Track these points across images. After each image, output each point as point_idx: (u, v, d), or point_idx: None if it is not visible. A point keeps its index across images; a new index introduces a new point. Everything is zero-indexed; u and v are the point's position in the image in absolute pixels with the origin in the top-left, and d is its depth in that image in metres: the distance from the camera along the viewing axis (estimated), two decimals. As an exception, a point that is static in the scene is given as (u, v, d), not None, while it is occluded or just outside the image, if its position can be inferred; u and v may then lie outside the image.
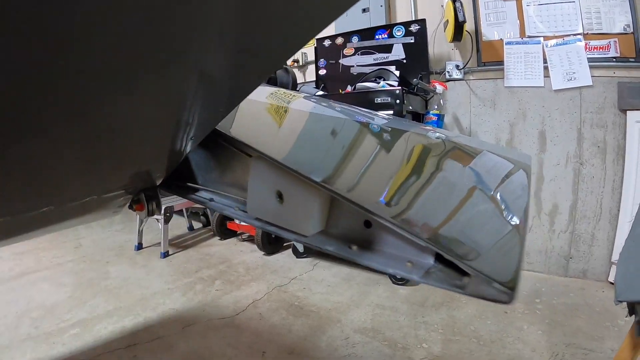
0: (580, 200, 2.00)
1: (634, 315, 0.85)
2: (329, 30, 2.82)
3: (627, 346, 0.94)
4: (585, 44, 1.94)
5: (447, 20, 2.24)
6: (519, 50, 2.10)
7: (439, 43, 2.38)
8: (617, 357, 0.96)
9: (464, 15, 2.12)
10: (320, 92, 2.54)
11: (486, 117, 2.24)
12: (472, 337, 1.52)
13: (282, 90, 1.01)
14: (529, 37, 2.08)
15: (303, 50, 3.07)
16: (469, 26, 2.20)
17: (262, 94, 0.91)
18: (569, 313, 1.66)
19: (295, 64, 3.05)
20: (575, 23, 1.96)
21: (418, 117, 2.26)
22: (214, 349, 1.47)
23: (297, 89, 2.84)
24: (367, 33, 2.56)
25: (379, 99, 2.08)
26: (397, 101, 2.01)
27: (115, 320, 1.69)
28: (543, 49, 2.04)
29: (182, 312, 1.78)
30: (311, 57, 2.96)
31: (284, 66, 2.82)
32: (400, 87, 2.05)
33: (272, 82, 2.75)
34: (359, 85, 2.32)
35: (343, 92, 2.42)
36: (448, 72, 2.34)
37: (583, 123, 1.98)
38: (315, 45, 2.80)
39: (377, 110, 1.97)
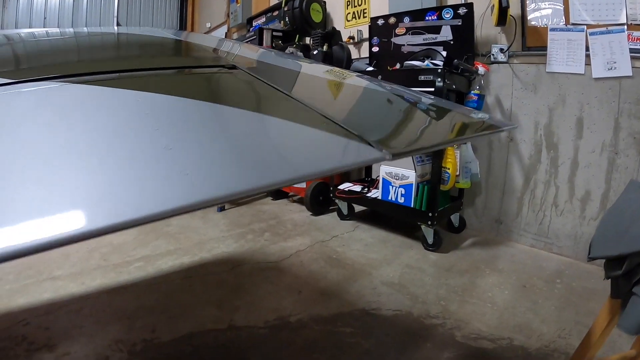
0: (612, 190, 2.22)
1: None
2: (383, 9, 3.17)
3: (604, 309, 1.01)
4: (629, 35, 2.12)
5: (493, 6, 2.49)
6: (563, 37, 2.32)
7: (486, 26, 2.64)
8: (596, 322, 1.05)
9: (507, 1, 2.37)
10: (371, 68, 2.91)
11: (527, 101, 2.49)
12: (488, 302, 1.84)
13: (337, 68, 1.28)
14: (573, 24, 2.28)
15: (358, 27, 3.46)
16: (514, 11, 2.44)
17: (320, 70, 1.17)
18: (585, 296, 1.92)
19: (351, 41, 3.44)
20: (620, 13, 2.13)
21: (461, 96, 2.57)
22: (258, 284, 2.00)
23: (351, 63, 3.25)
24: (418, 14, 2.88)
25: (422, 77, 2.44)
26: (439, 79, 2.36)
27: (174, 258, 2.25)
28: (586, 37, 2.24)
29: (233, 255, 2.35)
30: (366, 34, 3.33)
31: (340, 42, 3.24)
32: (442, 67, 2.38)
33: (329, 57, 3.19)
34: (407, 63, 2.68)
35: (391, 69, 2.79)
36: (493, 55, 2.60)
37: (621, 113, 2.18)
38: (370, 23, 3.17)
39: (420, 86, 2.36)
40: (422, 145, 0.66)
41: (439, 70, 2.36)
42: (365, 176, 3.31)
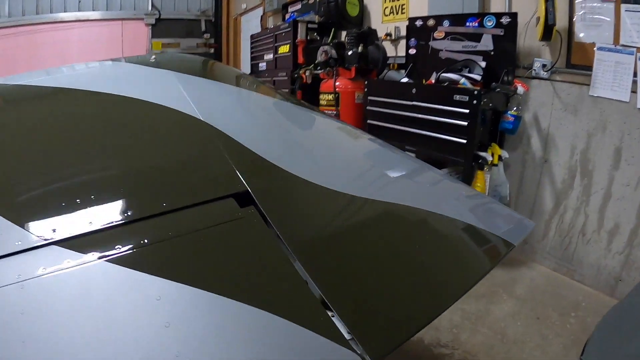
0: (642, 226, 2.23)
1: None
2: (422, 8, 3.12)
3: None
4: (683, 66, 2.05)
5: (539, 18, 2.42)
6: (610, 58, 2.25)
7: (529, 36, 2.58)
8: None
9: (554, 18, 2.31)
10: (405, 79, 2.92)
11: (565, 122, 2.47)
12: (499, 333, 1.93)
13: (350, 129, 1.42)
14: (623, 45, 2.21)
15: (396, 24, 3.42)
16: (561, 23, 2.36)
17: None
18: (597, 334, 2.02)
19: (387, 38, 3.42)
20: (675, 40, 2.05)
21: (497, 115, 2.57)
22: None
23: (387, 64, 3.25)
24: (458, 19, 2.83)
25: (458, 97, 2.46)
26: (474, 102, 2.37)
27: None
28: (635, 61, 2.17)
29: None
30: (404, 32, 3.30)
31: (375, 42, 3.23)
32: (478, 89, 2.37)
33: (364, 58, 3.20)
34: (443, 75, 2.68)
35: (426, 83, 2.79)
36: (534, 70, 2.56)
37: (663, 149, 2.15)
38: (408, 23, 3.13)
39: (455, 106, 2.38)
40: (410, 330, 0.65)
41: (475, 93, 2.35)
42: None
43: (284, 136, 1.09)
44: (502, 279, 2.43)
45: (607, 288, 2.28)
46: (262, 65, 4.69)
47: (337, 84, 3.29)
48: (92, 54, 5.93)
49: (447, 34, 2.91)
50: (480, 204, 1.10)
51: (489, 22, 2.66)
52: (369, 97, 3.04)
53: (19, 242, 0.58)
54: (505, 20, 2.58)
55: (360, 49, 3.17)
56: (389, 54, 3.34)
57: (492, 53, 2.67)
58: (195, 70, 1.42)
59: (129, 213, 0.66)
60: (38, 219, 0.64)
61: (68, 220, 0.64)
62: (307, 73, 3.61)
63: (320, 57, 3.37)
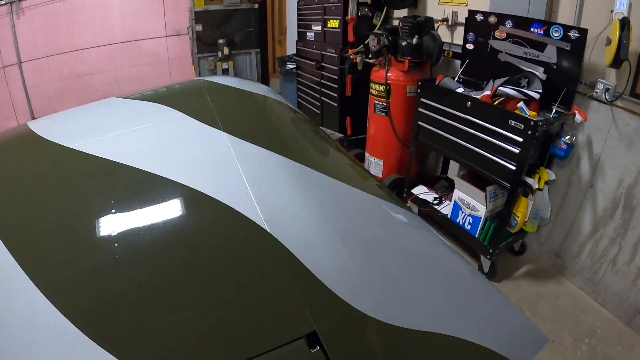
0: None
1: None
2: (483, 3, 3.07)
3: None
4: None
5: (610, 40, 2.42)
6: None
7: (596, 53, 2.57)
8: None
9: (627, 52, 2.31)
10: (461, 89, 3.02)
11: (618, 153, 2.60)
12: None
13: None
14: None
15: (454, 8, 3.37)
16: (634, 45, 2.34)
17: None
18: (601, 367, 2.33)
19: (444, 24, 3.41)
20: None
21: (549, 138, 2.72)
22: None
23: (442, 53, 3.29)
24: (522, 22, 2.82)
25: (513, 122, 2.57)
26: (529, 132, 2.47)
27: None
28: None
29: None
30: (461, 17, 3.28)
31: (432, 32, 3.27)
32: (535, 120, 2.46)
33: (418, 49, 3.27)
34: (501, 90, 2.77)
35: (480, 98, 2.88)
36: (596, 92, 2.62)
37: None
38: (468, 16, 3.11)
39: (509, 131, 2.55)
40: None
41: (532, 123, 2.46)
42: (442, 172, 3.66)
43: (357, 260, 0.98)
44: (528, 294, 2.82)
45: (625, 317, 2.63)
46: (310, 36, 4.72)
47: (389, 74, 3.42)
48: (133, 16, 6.06)
49: (508, 36, 2.91)
50: (497, 316, 1.08)
51: (556, 33, 2.66)
52: (422, 99, 3.19)
53: None
54: (573, 34, 2.57)
55: (415, 40, 3.23)
56: (443, 40, 3.36)
57: (555, 67, 2.71)
58: (251, 132, 1.35)
59: None
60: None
61: None
62: (359, 59, 3.71)
63: (372, 46, 3.45)
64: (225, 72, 6.73)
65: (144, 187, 1.07)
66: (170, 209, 1.01)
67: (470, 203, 2.94)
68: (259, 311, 0.82)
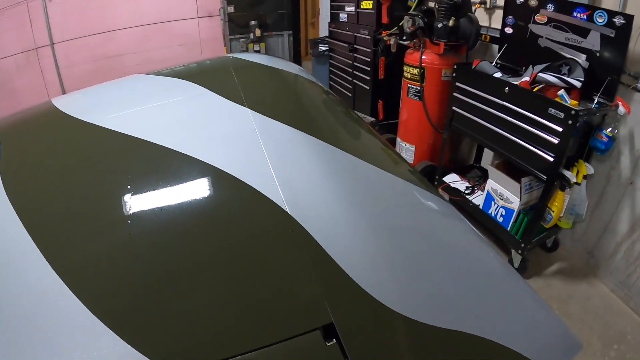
0: None
1: None
2: (525, -15, 3.00)
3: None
4: None
5: (659, 28, 2.36)
6: None
7: (643, 42, 2.50)
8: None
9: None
10: (499, 74, 2.98)
11: (662, 149, 2.54)
12: None
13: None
14: None
15: (494, -11, 3.31)
16: None
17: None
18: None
19: (482, 6, 3.35)
20: None
21: (589, 129, 2.67)
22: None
23: (479, 37, 3.24)
24: (565, 5, 2.74)
25: (553, 110, 2.51)
26: (570, 122, 2.40)
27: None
28: None
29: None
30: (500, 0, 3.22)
31: (469, 14, 3.23)
32: (576, 110, 2.40)
33: (454, 31, 3.24)
34: (540, 76, 2.72)
35: (518, 84, 2.84)
36: (641, 83, 2.54)
37: None
38: (507, -1, 3.06)
39: (548, 120, 2.52)
40: None
41: (573, 113, 2.40)
42: (475, 161, 3.64)
43: (384, 249, 0.93)
44: (559, 292, 2.80)
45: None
46: (343, 17, 4.70)
47: (423, 57, 3.41)
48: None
49: (549, 20, 2.84)
50: (530, 318, 1.03)
51: (600, 19, 2.58)
52: (457, 84, 3.17)
53: None
54: (618, 21, 2.49)
55: (451, 22, 3.20)
56: (481, 23, 3.31)
57: (598, 54, 2.64)
58: (277, 109, 1.33)
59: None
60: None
61: None
62: (392, 41, 3.70)
63: (406, 27, 3.43)
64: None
65: (161, 164, 1.07)
66: (187, 187, 1.00)
67: (503, 194, 2.92)
68: (273, 298, 0.79)
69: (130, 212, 0.94)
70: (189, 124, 1.25)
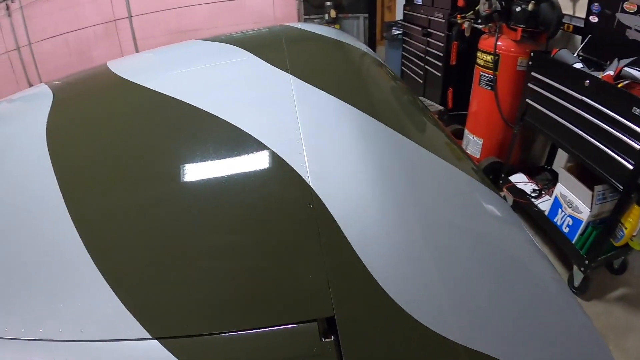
0: None
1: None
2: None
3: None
4: None
5: None
6: None
7: None
8: None
9: None
10: (580, 65, 2.72)
11: None
12: None
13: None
14: None
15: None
16: None
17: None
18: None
19: (566, -8, 3.07)
20: None
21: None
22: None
23: (561, 26, 2.99)
24: (662, -9, 2.45)
25: (637, 110, 2.24)
26: None
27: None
28: None
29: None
30: (589, -16, 2.93)
31: (551, -2, 2.98)
32: None
33: (534, 17, 3.01)
34: (626, 70, 2.45)
35: (601, 78, 2.58)
36: None
37: None
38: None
39: (633, 122, 2.26)
40: None
41: None
42: (546, 163, 3.38)
43: (415, 245, 0.82)
44: (618, 322, 2.53)
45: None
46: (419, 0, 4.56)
47: (498, 43, 3.21)
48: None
49: None
50: (576, 352, 0.88)
51: None
52: (532, 73, 2.94)
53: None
54: None
55: (530, 6, 2.98)
56: (564, 10, 3.04)
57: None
58: (324, 78, 1.28)
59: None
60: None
61: None
62: (467, 25, 3.52)
63: (482, 9, 3.24)
64: (330, 35, 6.80)
65: (189, 124, 1.09)
66: (208, 149, 1.00)
67: (572, 202, 2.69)
68: (274, 277, 0.73)
69: (150, 172, 0.97)
70: (225, 87, 1.27)
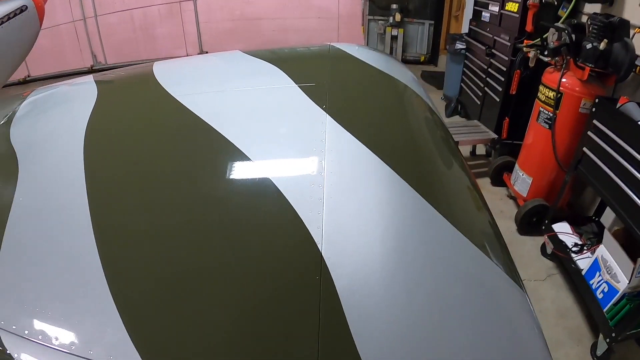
0: None
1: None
2: None
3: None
4: None
5: None
6: None
7: None
8: None
9: None
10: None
11: None
12: None
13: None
14: None
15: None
16: None
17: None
18: None
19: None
20: None
21: None
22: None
23: (634, 68, 2.73)
24: None
25: None
26: None
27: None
28: None
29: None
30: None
31: (625, 38, 2.73)
32: None
33: (605, 56, 2.77)
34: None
35: None
36: None
37: None
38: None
39: None
40: None
41: None
42: (595, 215, 3.14)
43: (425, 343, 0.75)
44: None
45: None
46: (485, 16, 4.34)
47: (563, 80, 2.99)
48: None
49: None
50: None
51: None
52: (595, 122, 2.71)
53: None
54: None
55: (602, 45, 2.73)
56: (638, 52, 2.76)
57: None
58: (361, 124, 1.19)
59: None
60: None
61: None
62: (532, 54, 3.30)
63: (551, 41, 3.03)
64: (394, 39, 6.66)
65: (213, 154, 1.08)
66: (224, 184, 1.01)
67: (612, 268, 2.46)
68: (268, 349, 0.72)
69: (176, 201, 0.97)
70: (258, 119, 1.23)
